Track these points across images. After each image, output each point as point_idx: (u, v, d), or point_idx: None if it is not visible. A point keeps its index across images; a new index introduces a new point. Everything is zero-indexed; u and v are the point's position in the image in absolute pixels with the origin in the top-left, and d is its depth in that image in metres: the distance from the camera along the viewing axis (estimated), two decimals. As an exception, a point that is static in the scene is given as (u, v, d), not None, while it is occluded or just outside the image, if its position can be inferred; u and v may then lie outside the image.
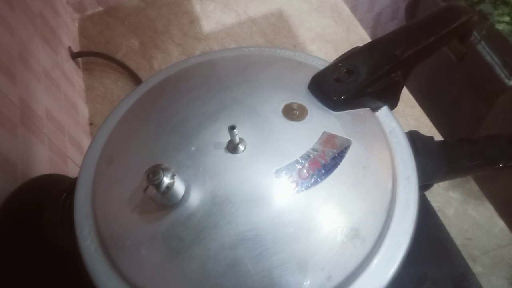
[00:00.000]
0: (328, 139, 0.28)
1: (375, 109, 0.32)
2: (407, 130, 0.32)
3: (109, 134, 0.33)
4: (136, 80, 0.65)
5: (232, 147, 0.27)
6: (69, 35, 0.68)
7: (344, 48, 0.66)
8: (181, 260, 0.25)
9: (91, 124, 0.62)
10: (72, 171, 0.49)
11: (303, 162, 0.27)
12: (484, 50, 0.91)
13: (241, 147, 0.27)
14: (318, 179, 0.26)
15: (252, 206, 0.25)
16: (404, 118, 0.57)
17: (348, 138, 0.29)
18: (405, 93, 0.61)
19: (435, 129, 0.56)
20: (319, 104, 0.31)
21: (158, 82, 0.36)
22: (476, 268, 0.43)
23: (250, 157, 0.27)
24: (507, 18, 0.85)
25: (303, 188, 0.26)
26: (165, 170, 0.24)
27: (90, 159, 0.32)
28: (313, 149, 0.27)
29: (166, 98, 0.33)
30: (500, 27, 0.85)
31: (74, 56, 0.65)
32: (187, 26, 0.72)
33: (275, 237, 0.25)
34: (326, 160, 0.27)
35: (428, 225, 0.45)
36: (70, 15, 0.73)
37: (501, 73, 0.88)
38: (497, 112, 0.94)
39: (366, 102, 0.32)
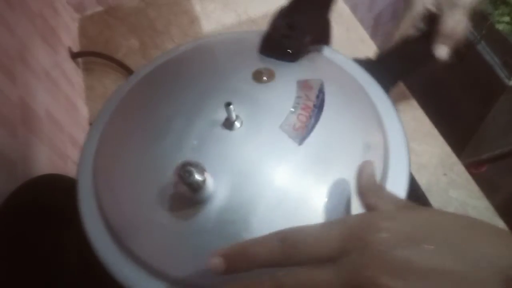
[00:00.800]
0: (303, 84, 0.31)
1: (319, 49, 0.37)
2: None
3: (104, 125, 0.34)
4: (136, 80, 0.65)
5: (229, 124, 0.28)
6: (69, 35, 0.68)
7: (344, 48, 0.66)
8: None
9: (91, 124, 0.62)
10: (72, 171, 0.49)
11: (296, 110, 0.29)
12: (484, 50, 0.91)
13: (237, 123, 0.28)
14: (318, 117, 0.29)
15: (274, 173, 0.27)
16: (404, 118, 0.57)
17: (318, 76, 0.32)
18: (405, 93, 0.61)
19: (435, 129, 0.56)
20: (279, 61, 0.34)
21: (145, 75, 0.38)
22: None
23: (249, 129, 0.28)
24: (507, 18, 0.85)
25: (310, 129, 0.28)
26: (197, 167, 0.24)
27: (88, 151, 0.32)
28: (298, 97, 0.30)
29: (153, 90, 0.35)
30: (500, 27, 0.85)
31: (74, 56, 0.65)
32: (187, 26, 0.72)
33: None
34: (313, 100, 0.30)
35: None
36: (70, 15, 0.73)
37: (501, 73, 0.88)
38: (497, 112, 0.94)
39: (312, 44, 0.36)
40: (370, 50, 0.66)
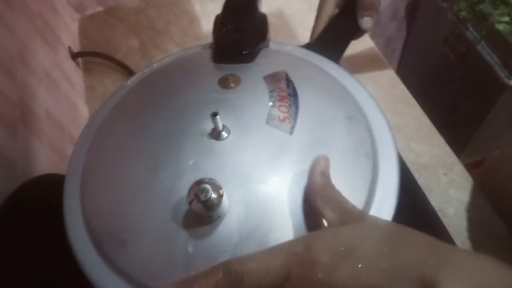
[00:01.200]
0: (270, 79, 0.32)
1: (268, 43, 0.38)
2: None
3: (98, 128, 0.34)
4: (136, 80, 0.65)
5: (217, 134, 0.28)
6: (69, 35, 0.68)
7: (344, 48, 0.66)
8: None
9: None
10: (72, 171, 0.49)
11: (275, 103, 0.30)
12: (484, 50, 0.91)
13: (224, 133, 0.28)
14: (297, 104, 0.30)
15: (276, 166, 0.27)
16: (404, 118, 0.57)
17: (280, 69, 0.33)
18: (405, 93, 0.61)
19: (435, 129, 0.56)
20: (238, 65, 0.34)
21: (143, 78, 0.38)
22: (476, 268, 0.43)
23: (238, 135, 0.28)
24: (507, 18, 0.85)
25: (295, 117, 0.29)
26: (213, 185, 0.23)
27: (79, 154, 0.33)
28: (271, 91, 0.31)
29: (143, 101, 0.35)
30: (500, 27, 0.85)
31: (74, 56, 0.65)
32: (187, 26, 0.72)
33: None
34: (286, 90, 0.31)
35: (428, 225, 0.45)
36: (70, 15, 0.73)
37: (501, 73, 0.88)
38: (497, 112, 0.94)
39: (260, 40, 0.37)
40: (370, 50, 0.66)
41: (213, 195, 0.23)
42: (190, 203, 0.23)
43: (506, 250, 0.45)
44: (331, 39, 0.42)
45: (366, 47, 0.66)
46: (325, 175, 0.25)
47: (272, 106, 0.30)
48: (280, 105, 0.30)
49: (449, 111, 1.08)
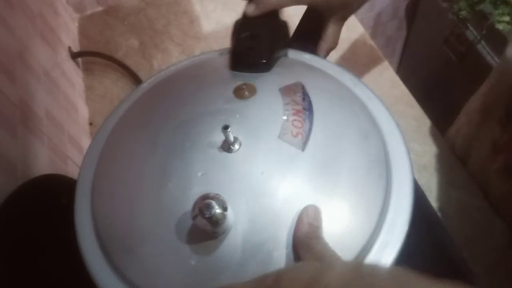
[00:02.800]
0: (286, 91, 0.31)
1: (286, 52, 0.37)
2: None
3: (108, 136, 0.33)
4: (136, 80, 0.65)
5: (228, 147, 0.27)
6: (69, 35, 0.68)
7: (344, 48, 0.66)
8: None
9: (90, 124, 0.62)
10: (72, 171, 0.49)
11: (289, 117, 0.29)
12: (484, 50, 0.91)
13: (236, 145, 0.28)
14: (311, 119, 0.29)
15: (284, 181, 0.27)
16: (404, 118, 0.57)
17: (297, 80, 0.32)
18: (405, 93, 0.61)
19: (435, 129, 0.56)
20: (254, 74, 0.33)
21: (156, 83, 0.37)
22: (476, 268, 0.43)
23: (249, 148, 0.28)
24: (507, 18, 0.85)
25: (308, 133, 0.28)
26: (218, 200, 0.23)
27: (89, 161, 0.32)
28: (285, 104, 0.30)
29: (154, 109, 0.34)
30: (500, 27, 0.85)
31: (74, 56, 0.65)
32: (187, 26, 0.72)
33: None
34: (301, 103, 0.30)
35: (428, 225, 0.45)
36: (70, 15, 0.73)
37: (501, 73, 0.88)
38: (497, 112, 0.94)
39: (278, 49, 0.36)
40: (370, 50, 0.66)
41: (218, 211, 0.22)
42: (194, 218, 0.23)
43: (505, 250, 0.45)
44: (309, 34, 0.42)
45: (366, 47, 0.66)
46: (312, 226, 0.25)
47: (286, 120, 0.29)
48: (294, 120, 0.29)
49: (449, 111, 1.08)
